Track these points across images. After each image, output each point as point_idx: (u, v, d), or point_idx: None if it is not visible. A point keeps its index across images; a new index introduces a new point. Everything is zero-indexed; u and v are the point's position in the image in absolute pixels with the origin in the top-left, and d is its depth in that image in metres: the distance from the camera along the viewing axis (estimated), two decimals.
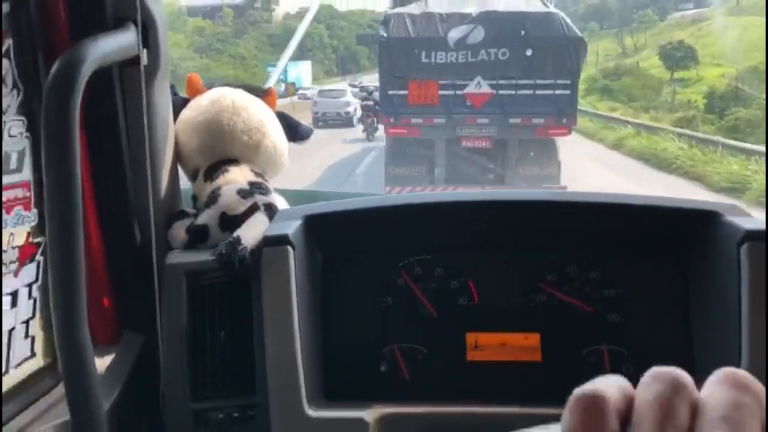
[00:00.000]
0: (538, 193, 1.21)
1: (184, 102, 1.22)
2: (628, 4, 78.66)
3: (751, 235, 0.95)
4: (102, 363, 0.99)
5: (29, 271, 0.93)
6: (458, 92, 8.28)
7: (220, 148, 1.17)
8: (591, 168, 12.29)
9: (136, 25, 0.94)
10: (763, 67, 31.06)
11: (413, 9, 8.59)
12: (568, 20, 8.13)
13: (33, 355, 0.95)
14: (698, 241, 1.05)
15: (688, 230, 1.06)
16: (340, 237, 1.12)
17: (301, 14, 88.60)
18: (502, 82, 8.20)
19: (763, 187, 9.73)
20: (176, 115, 1.17)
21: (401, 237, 1.13)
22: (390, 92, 8.48)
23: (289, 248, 1.00)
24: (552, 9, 8.54)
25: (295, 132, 1.29)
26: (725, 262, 0.98)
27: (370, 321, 1.11)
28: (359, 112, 22.66)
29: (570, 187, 8.39)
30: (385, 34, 8.27)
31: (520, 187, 8.45)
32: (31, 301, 0.94)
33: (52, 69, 0.78)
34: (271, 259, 1.01)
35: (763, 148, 11.56)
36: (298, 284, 1.01)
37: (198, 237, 1.10)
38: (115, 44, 0.90)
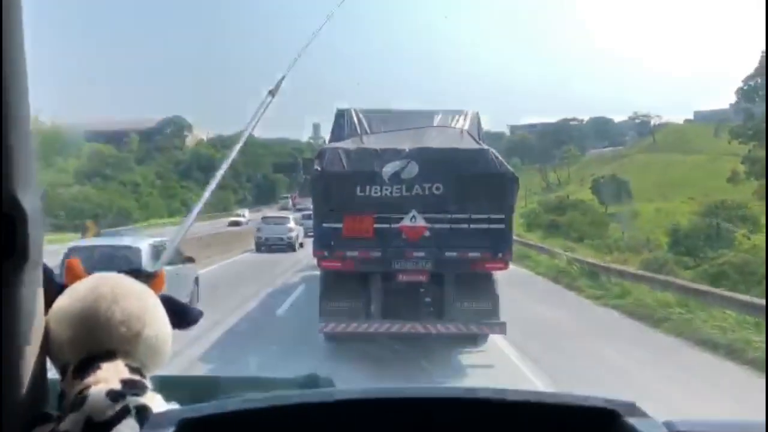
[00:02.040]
0: (439, 390, 1.16)
1: (61, 288, 1.20)
2: (547, 141, 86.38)
3: None
4: None
5: None
6: (393, 225, 8.63)
7: (95, 340, 1.13)
8: None
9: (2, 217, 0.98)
10: (729, 203, 33.05)
11: (348, 144, 9.15)
12: (499, 157, 8.79)
13: None
14: None
15: (586, 430, 1.05)
16: None
17: (214, 142, 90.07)
18: (437, 216, 8.64)
19: None
20: (51, 302, 1.16)
21: None
22: (324, 225, 8.78)
23: None
24: (484, 146, 9.23)
25: (181, 318, 1.28)
26: None
27: None
28: (301, 238, 26.59)
29: None
30: (319, 168, 8.65)
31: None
32: None
33: None
34: None
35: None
36: None
37: None
38: None
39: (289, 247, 26.29)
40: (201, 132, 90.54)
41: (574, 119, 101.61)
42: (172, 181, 75.11)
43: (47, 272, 1.13)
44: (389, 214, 8.64)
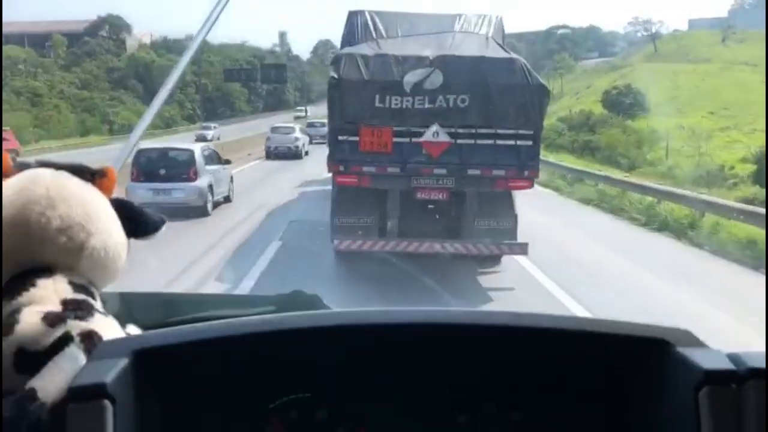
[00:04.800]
0: (442, 313, 1.06)
1: None
2: (537, 50, 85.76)
3: (712, 377, 0.89)
4: None
5: None
6: (414, 140, 8.86)
7: (27, 253, 1.03)
8: None
9: None
10: None
11: (365, 50, 9.23)
12: (529, 67, 8.94)
13: None
14: (643, 377, 1.00)
15: (630, 363, 1.01)
16: (185, 377, 0.97)
17: (158, 46, 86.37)
18: (461, 130, 8.86)
19: None
20: None
21: (272, 371, 1.02)
22: (340, 138, 8.98)
23: (107, 403, 0.85)
24: (513, 55, 9.36)
25: (137, 225, 1.17)
26: (679, 407, 0.93)
27: None
28: (306, 146, 32.45)
29: None
30: (335, 76, 8.76)
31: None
32: None
33: None
34: (80, 419, 0.85)
35: None
36: None
37: None
38: None
39: (295, 155, 30.63)
40: (144, 34, 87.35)
41: (564, 26, 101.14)
42: (104, 92, 71.54)
43: None
44: (410, 127, 8.85)
